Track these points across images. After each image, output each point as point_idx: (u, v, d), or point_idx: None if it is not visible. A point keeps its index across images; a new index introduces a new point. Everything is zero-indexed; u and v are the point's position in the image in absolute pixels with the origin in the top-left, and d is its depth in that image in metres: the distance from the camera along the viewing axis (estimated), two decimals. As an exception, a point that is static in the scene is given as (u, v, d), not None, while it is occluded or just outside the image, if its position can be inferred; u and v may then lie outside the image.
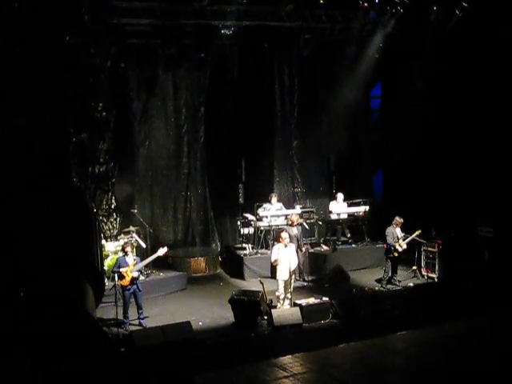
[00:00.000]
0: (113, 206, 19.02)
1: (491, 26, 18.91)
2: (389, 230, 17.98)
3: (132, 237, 17.87)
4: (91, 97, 18.19)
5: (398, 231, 17.94)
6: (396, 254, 17.84)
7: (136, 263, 15.13)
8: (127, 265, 14.90)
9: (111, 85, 18.88)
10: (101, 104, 18.41)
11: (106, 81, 18.62)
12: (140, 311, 15.10)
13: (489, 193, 19.11)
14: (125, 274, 14.78)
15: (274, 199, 20.31)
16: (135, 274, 14.95)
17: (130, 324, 14.99)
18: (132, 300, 15.05)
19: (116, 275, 14.86)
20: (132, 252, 15.51)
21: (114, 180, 19.10)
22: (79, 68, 17.43)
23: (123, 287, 14.88)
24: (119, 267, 14.86)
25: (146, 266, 16.75)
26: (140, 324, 15.00)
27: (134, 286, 14.95)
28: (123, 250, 15.43)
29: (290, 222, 18.48)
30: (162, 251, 15.84)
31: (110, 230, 18.80)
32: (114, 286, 15.00)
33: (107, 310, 15.14)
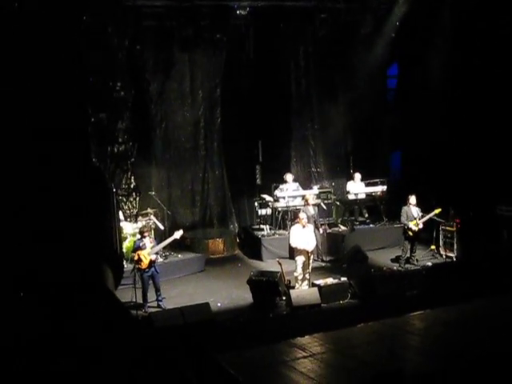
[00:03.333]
0: (132, 186, 19.06)
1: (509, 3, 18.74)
2: (403, 210, 17.96)
3: (150, 219, 17.93)
4: (109, 76, 18.18)
5: (415, 210, 17.90)
6: (411, 234, 17.83)
7: (153, 246, 15.19)
8: (145, 248, 14.97)
9: (128, 66, 18.89)
10: (119, 84, 18.40)
11: (124, 60, 18.61)
12: (158, 293, 15.17)
13: (508, 171, 18.98)
14: (143, 257, 14.86)
15: (290, 177, 20.21)
16: (153, 257, 15.02)
17: (149, 306, 15.08)
18: (150, 282, 15.14)
19: (134, 258, 14.97)
20: (150, 234, 15.55)
21: (133, 159, 19.11)
22: (97, 47, 17.42)
23: (141, 270, 14.95)
24: (137, 250, 14.95)
25: (164, 248, 16.81)
26: (159, 306, 15.08)
27: (152, 269, 15.03)
28: (141, 233, 15.48)
29: (305, 203, 18.50)
30: (178, 234, 15.89)
31: (129, 210, 18.84)
32: (134, 268, 15.07)
33: (126, 293, 15.19)
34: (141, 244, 15.04)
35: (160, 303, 15.11)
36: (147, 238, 15.29)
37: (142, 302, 14.96)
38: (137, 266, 14.94)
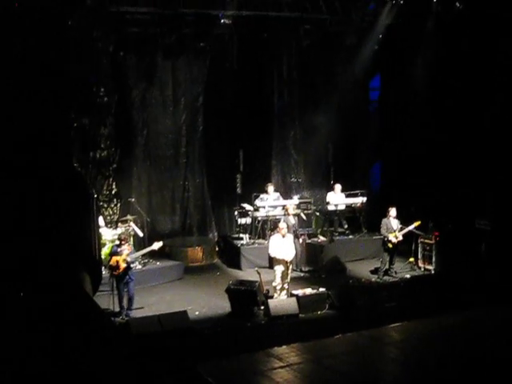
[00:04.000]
0: (113, 192, 18.97)
1: (492, 17, 18.84)
2: (383, 222, 18.04)
3: (129, 226, 17.86)
4: (93, 81, 18.14)
5: (395, 222, 17.97)
6: (390, 246, 17.90)
7: (130, 253, 15.12)
8: (122, 254, 14.89)
9: (112, 72, 18.86)
10: (102, 89, 18.36)
11: (108, 65, 18.58)
12: (130, 302, 15.03)
13: (486, 186, 19.10)
14: (118, 264, 14.78)
15: (271, 188, 20.24)
16: (129, 259, 14.95)
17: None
18: (126, 289, 15.05)
19: (110, 263, 14.89)
20: (129, 241, 15.47)
21: (115, 165, 19.03)
22: (81, 52, 17.38)
23: (116, 277, 14.88)
24: (114, 255, 14.88)
25: (143, 255, 16.74)
26: (127, 315, 14.88)
27: (127, 276, 14.96)
28: (120, 240, 15.40)
29: (285, 212, 18.51)
30: (156, 245, 15.86)
31: (110, 216, 18.76)
32: (111, 275, 15.00)
33: (103, 299, 15.11)
34: (118, 250, 14.97)
35: (129, 312, 14.96)
36: (125, 244, 15.22)
37: (119, 309, 14.89)
38: (112, 273, 14.87)
